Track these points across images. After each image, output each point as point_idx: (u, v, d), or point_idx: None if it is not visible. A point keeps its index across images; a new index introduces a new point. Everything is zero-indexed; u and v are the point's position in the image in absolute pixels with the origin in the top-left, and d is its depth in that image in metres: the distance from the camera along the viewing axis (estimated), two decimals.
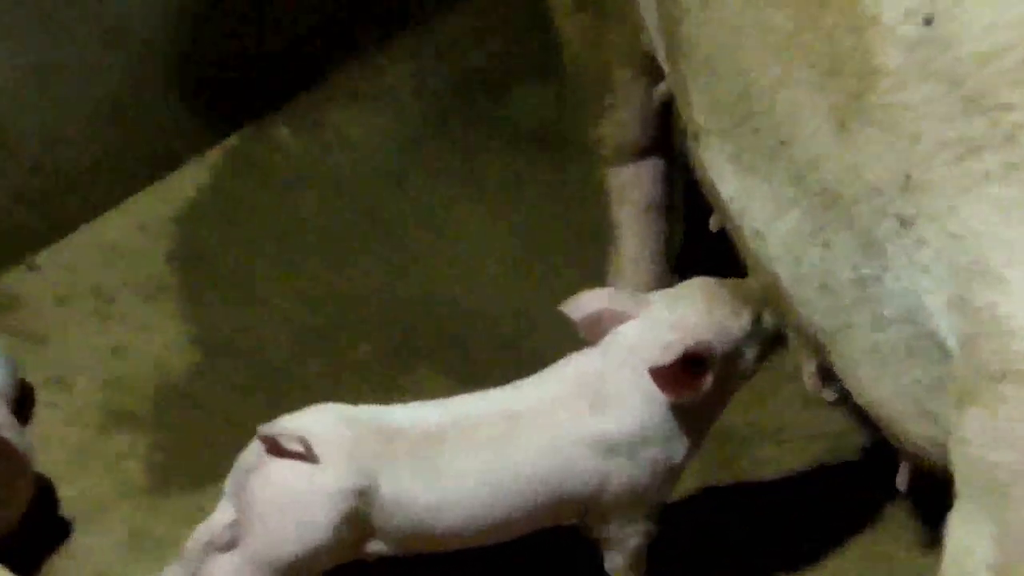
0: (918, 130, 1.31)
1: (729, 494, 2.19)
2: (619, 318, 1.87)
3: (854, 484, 2.17)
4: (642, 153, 2.23)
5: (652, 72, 2.03)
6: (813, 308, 1.56)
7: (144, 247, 2.55)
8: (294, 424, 1.79)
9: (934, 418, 1.45)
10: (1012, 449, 1.24)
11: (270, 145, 2.74)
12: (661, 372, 1.78)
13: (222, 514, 1.82)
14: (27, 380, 2.31)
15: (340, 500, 1.75)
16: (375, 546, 1.82)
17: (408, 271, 2.54)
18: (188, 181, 2.67)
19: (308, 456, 1.75)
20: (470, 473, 1.81)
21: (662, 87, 2.07)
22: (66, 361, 2.36)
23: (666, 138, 2.21)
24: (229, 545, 1.80)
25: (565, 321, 1.91)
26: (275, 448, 1.75)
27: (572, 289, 1.95)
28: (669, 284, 2.07)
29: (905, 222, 1.34)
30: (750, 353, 1.89)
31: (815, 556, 2.11)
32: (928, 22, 1.28)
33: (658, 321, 1.85)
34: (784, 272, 1.58)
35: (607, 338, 1.87)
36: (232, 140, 2.74)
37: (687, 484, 2.17)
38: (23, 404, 2.27)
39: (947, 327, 1.33)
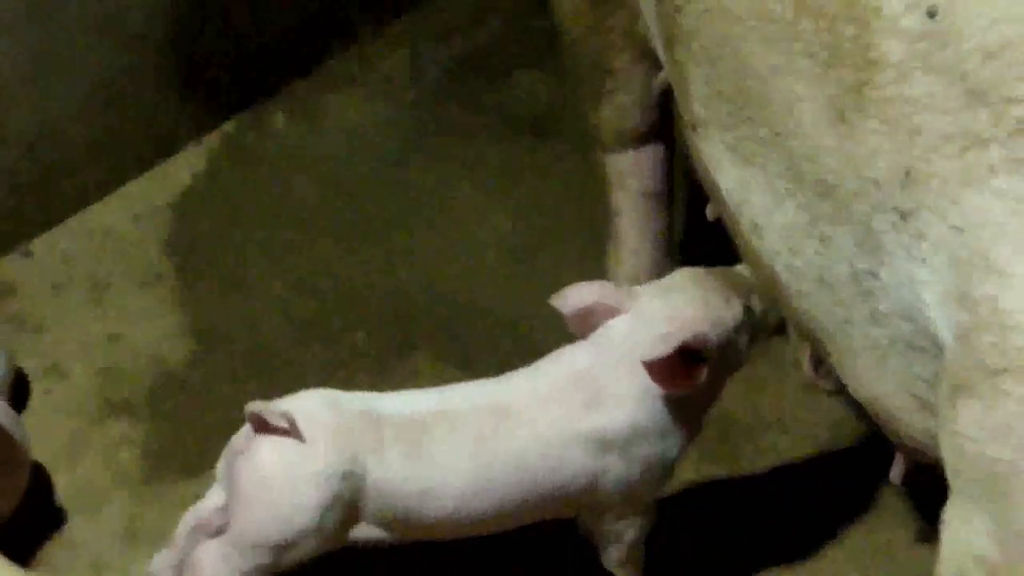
0: (920, 123, 1.30)
1: (730, 484, 2.19)
2: (611, 312, 1.85)
3: (855, 473, 2.17)
4: (642, 140, 2.22)
5: (652, 58, 2.01)
6: (810, 302, 1.55)
7: (139, 234, 2.55)
8: (284, 406, 1.78)
9: (934, 411, 1.44)
10: (1011, 445, 1.23)
11: (266, 132, 2.74)
12: (656, 365, 1.76)
13: (211, 499, 1.82)
14: (22, 368, 2.31)
15: (326, 482, 1.75)
16: (362, 532, 1.81)
17: (405, 258, 2.53)
18: (184, 168, 2.66)
19: (293, 433, 1.74)
20: (458, 462, 1.79)
21: (662, 74, 2.05)
22: (61, 349, 2.36)
23: (666, 125, 2.19)
24: (218, 530, 1.80)
25: None
26: (262, 425, 1.75)
27: (570, 276, 1.94)
28: (668, 273, 2.06)
29: (904, 215, 1.33)
30: (742, 341, 1.87)
31: (816, 545, 2.11)
32: (932, 15, 1.27)
33: (651, 314, 1.83)
34: (781, 265, 1.57)
35: (599, 331, 1.85)
36: (228, 127, 2.73)
37: (688, 474, 2.17)
38: (18, 392, 2.27)
39: (942, 320, 1.32)
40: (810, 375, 2.26)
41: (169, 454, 2.23)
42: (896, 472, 1.80)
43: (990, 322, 1.24)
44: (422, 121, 2.77)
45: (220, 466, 1.81)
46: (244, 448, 1.77)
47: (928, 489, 1.49)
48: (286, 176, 2.66)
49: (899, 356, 1.44)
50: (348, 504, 1.77)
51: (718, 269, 1.90)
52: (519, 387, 1.85)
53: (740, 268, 1.90)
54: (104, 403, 2.29)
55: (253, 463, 1.76)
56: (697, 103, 1.65)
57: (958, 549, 1.32)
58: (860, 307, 1.45)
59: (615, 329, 1.84)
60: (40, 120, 2.46)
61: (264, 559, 1.77)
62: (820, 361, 2.15)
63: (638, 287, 1.90)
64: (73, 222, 2.55)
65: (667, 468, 1.87)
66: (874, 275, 1.41)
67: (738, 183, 1.61)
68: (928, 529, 2.05)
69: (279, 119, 2.76)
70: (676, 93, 1.78)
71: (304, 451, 1.75)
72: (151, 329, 2.40)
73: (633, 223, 2.28)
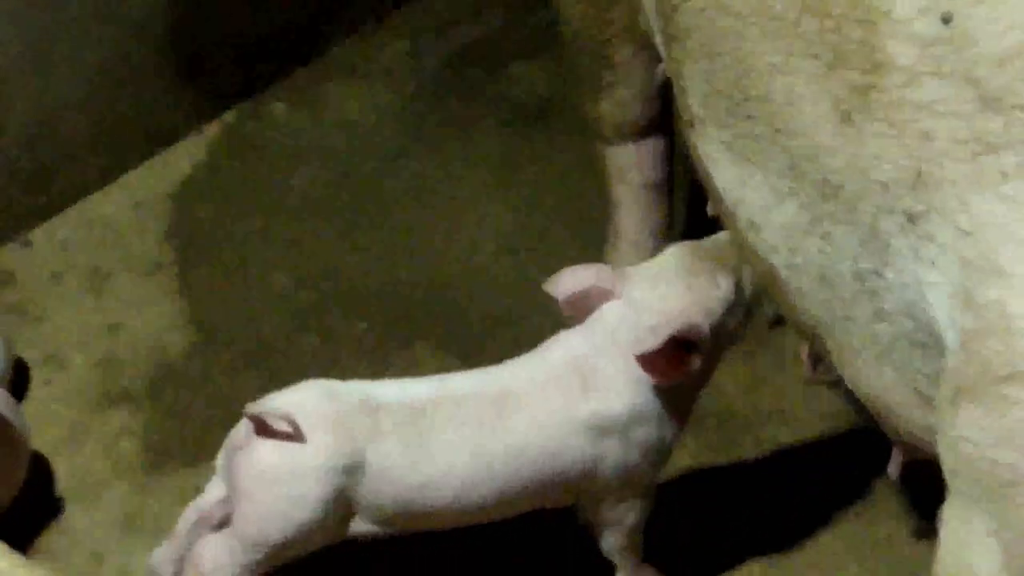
0: (930, 127, 1.29)
1: (729, 475, 2.19)
2: (605, 295, 1.84)
3: (854, 466, 2.17)
4: (642, 132, 2.21)
5: (653, 51, 2.00)
6: (810, 299, 1.54)
7: (139, 224, 2.55)
8: (281, 401, 1.78)
9: (935, 406, 1.44)
10: (1016, 450, 1.23)
11: (266, 121, 2.73)
12: (648, 358, 1.76)
13: (212, 492, 1.82)
14: (22, 358, 2.31)
15: (326, 476, 1.74)
16: (363, 526, 1.81)
17: (405, 248, 2.53)
18: (184, 157, 2.66)
19: (296, 435, 1.74)
20: (457, 451, 1.79)
21: (663, 66, 2.05)
22: (61, 339, 2.36)
23: (667, 118, 2.18)
24: (221, 524, 1.79)
25: None
26: (263, 428, 1.74)
27: (569, 265, 1.93)
28: None
29: (913, 217, 1.33)
30: (733, 322, 1.85)
31: (814, 537, 2.12)
32: (947, 21, 1.27)
33: (640, 301, 1.81)
34: (780, 262, 1.57)
35: (594, 316, 1.84)
36: (228, 116, 2.73)
37: (687, 465, 2.17)
38: (18, 382, 2.27)
39: (947, 322, 1.31)
40: (808, 374, 2.26)
41: (168, 444, 2.23)
42: (894, 467, 1.80)
43: (996, 327, 1.24)
44: (422, 112, 2.77)
45: (220, 460, 1.81)
46: (243, 444, 1.76)
47: (925, 484, 1.49)
48: (286, 166, 2.66)
49: (901, 352, 1.43)
50: (349, 497, 1.77)
51: (708, 242, 1.87)
52: (517, 374, 1.85)
53: (730, 240, 1.85)
54: (104, 393, 2.29)
55: (253, 458, 1.75)
56: (694, 100, 1.64)
57: (959, 551, 1.32)
58: (862, 305, 1.45)
59: (608, 314, 1.83)
60: (40, 109, 2.46)
61: (265, 554, 1.77)
62: (819, 359, 2.15)
63: (630, 268, 1.88)
64: (73, 212, 2.55)
65: (665, 451, 1.87)
66: (879, 274, 1.40)
67: (735, 180, 1.60)
68: (926, 525, 2.07)
69: (279, 109, 2.76)
70: (674, 89, 1.77)
71: (305, 447, 1.74)
72: (151, 319, 2.40)
73: (633, 215, 2.28)
